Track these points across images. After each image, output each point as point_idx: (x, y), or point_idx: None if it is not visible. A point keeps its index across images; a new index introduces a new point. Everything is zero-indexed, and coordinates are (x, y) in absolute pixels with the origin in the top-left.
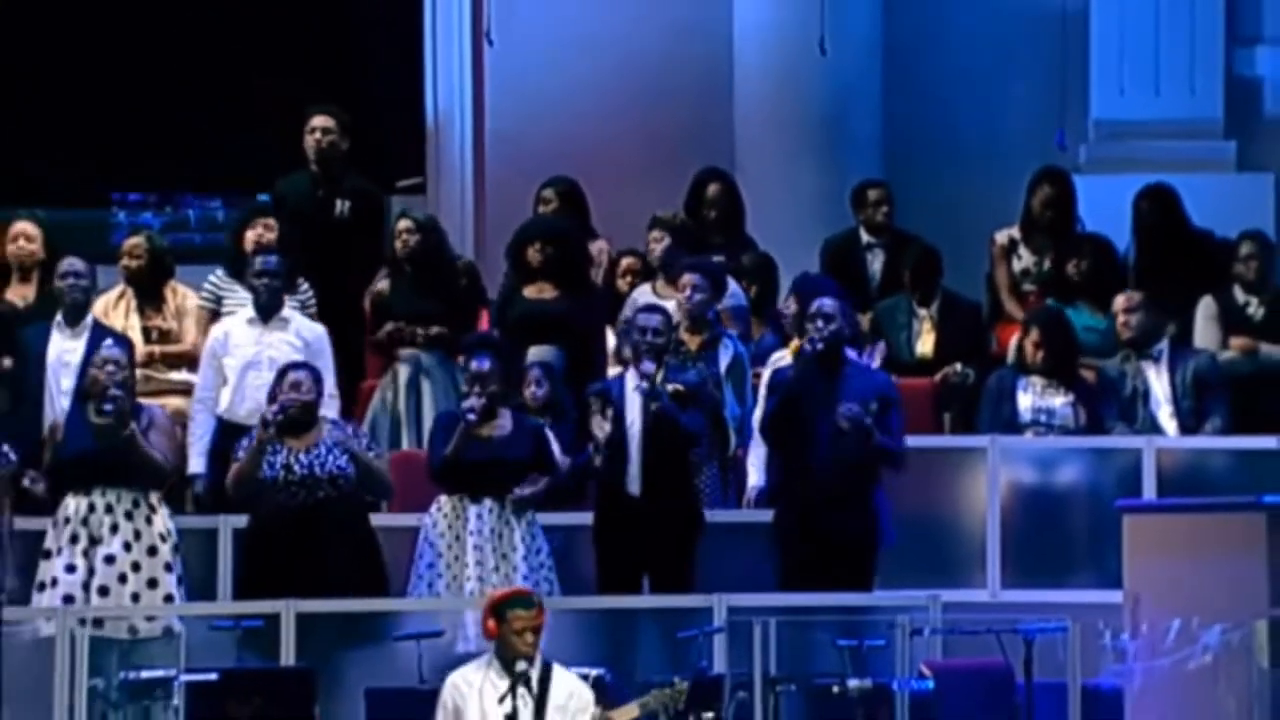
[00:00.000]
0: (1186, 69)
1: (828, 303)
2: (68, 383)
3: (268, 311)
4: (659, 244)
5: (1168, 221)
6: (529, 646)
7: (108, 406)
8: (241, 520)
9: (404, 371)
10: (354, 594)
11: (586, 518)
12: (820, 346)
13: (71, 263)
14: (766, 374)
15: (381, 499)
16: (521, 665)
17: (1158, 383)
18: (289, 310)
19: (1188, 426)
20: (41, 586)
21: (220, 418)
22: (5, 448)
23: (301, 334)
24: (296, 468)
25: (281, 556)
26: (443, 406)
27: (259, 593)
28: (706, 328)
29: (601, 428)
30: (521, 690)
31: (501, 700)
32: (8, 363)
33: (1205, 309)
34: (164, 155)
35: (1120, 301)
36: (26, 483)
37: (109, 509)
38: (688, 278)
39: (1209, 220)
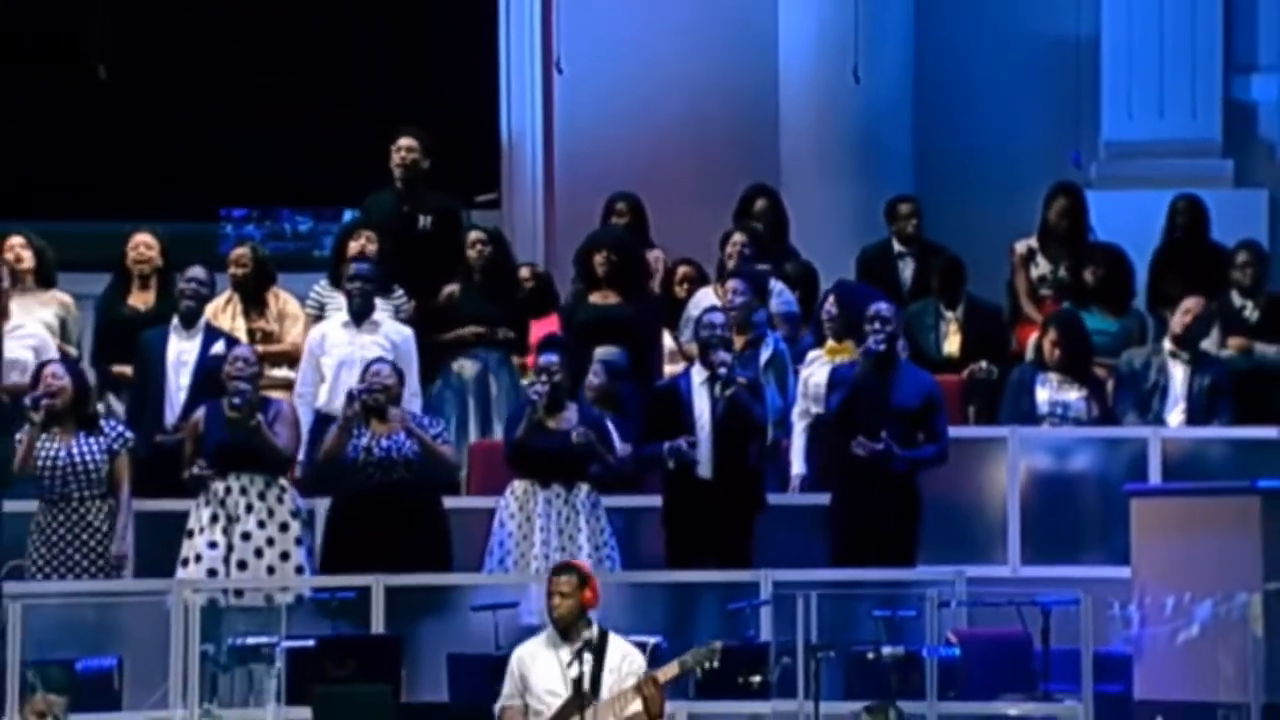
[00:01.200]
0: (1188, 94)
1: (884, 306)
2: (185, 379)
3: (360, 315)
4: (743, 247)
5: (1196, 230)
6: (554, 609)
7: (237, 400)
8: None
9: (470, 368)
10: (422, 568)
11: (647, 500)
12: (884, 347)
13: (195, 271)
14: (805, 371)
15: (446, 479)
16: (579, 636)
17: (1179, 381)
18: (380, 314)
19: (1196, 422)
20: (185, 562)
21: (318, 411)
22: (124, 429)
23: (390, 336)
24: (375, 451)
25: (359, 531)
26: (506, 400)
27: (341, 565)
28: (750, 329)
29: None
30: (588, 656)
31: (569, 665)
32: (128, 370)
33: None
34: (263, 175)
35: (1191, 304)
36: (196, 470)
37: (244, 491)
38: (731, 283)
39: (1209, 232)
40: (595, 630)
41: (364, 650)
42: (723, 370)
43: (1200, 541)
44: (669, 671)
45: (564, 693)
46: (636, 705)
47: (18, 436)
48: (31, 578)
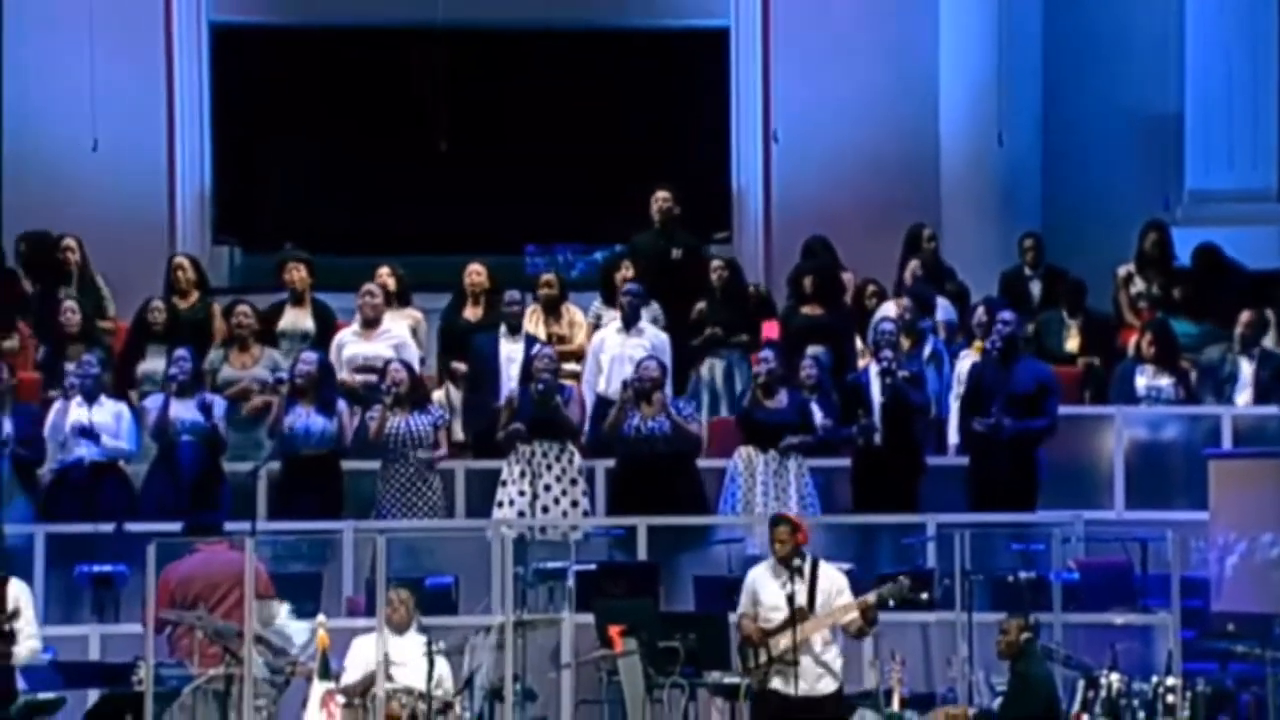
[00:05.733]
0: (1250, 153)
1: (1006, 314)
2: (515, 372)
3: (630, 322)
4: (917, 271)
5: (1205, 264)
6: (776, 550)
7: (539, 386)
8: (611, 463)
9: (719, 365)
10: (681, 513)
11: (840, 462)
12: (1000, 344)
13: (513, 293)
14: (960, 365)
15: (691, 449)
16: (796, 561)
17: (1247, 371)
18: (644, 322)
19: (1260, 402)
20: (499, 505)
21: (599, 395)
22: (443, 411)
23: (652, 339)
24: (643, 428)
25: (633, 486)
26: (747, 386)
27: (620, 510)
28: (917, 332)
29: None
30: (797, 579)
31: (783, 585)
32: (462, 367)
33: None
34: (553, 219)
35: (1245, 316)
36: (511, 429)
37: (544, 454)
38: (904, 300)
39: (1266, 259)
40: (809, 561)
41: (632, 573)
42: (884, 365)
43: (1263, 493)
44: (867, 601)
45: (784, 608)
46: (851, 615)
47: (369, 414)
48: (383, 518)
